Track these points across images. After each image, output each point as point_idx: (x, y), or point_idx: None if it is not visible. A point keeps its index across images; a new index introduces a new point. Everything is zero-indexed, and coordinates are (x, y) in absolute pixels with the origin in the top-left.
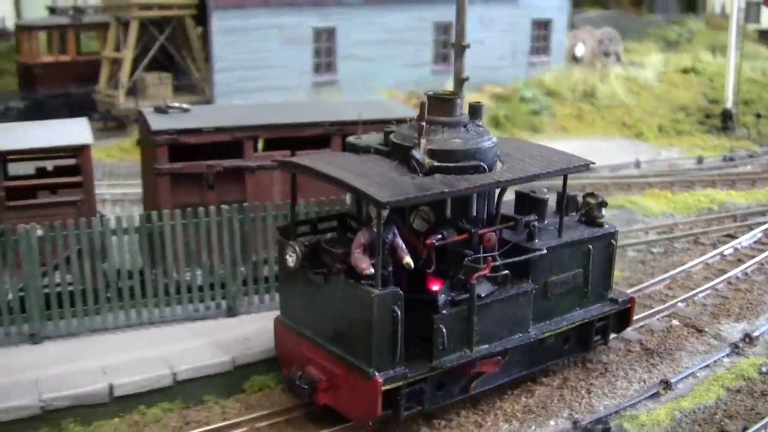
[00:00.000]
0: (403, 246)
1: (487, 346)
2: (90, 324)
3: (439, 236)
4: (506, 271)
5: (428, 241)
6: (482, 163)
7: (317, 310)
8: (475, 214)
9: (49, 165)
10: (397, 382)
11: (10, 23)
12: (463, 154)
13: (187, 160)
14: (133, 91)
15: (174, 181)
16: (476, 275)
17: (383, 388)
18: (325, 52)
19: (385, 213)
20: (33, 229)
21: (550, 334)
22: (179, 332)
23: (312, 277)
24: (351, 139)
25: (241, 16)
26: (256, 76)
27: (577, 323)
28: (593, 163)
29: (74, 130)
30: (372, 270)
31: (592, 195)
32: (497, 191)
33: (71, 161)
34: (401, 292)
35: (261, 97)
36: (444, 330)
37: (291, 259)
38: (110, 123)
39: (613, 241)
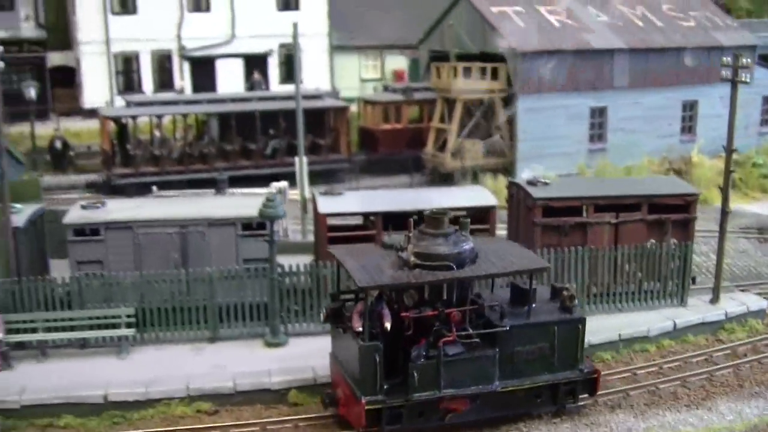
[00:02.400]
0: (387, 315)
1: (453, 390)
2: None
3: (416, 311)
4: (476, 339)
5: (402, 314)
6: (451, 264)
7: (341, 351)
8: (445, 297)
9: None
10: (377, 405)
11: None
12: (437, 257)
13: (551, 216)
14: (454, 154)
15: (543, 230)
16: (443, 340)
17: (366, 407)
18: (598, 126)
19: (373, 292)
20: None
21: (513, 389)
22: None
23: (335, 329)
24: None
25: (539, 99)
26: (548, 144)
27: (541, 384)
28: (548, 267)
29: (482, 195)
30: (360, 329)
31: (566, 289)
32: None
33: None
34: (380, 345)
35: (550, 161)
36: (416, 374)
37: (321, 316)
38: (434, 177)
39: (580, 326)
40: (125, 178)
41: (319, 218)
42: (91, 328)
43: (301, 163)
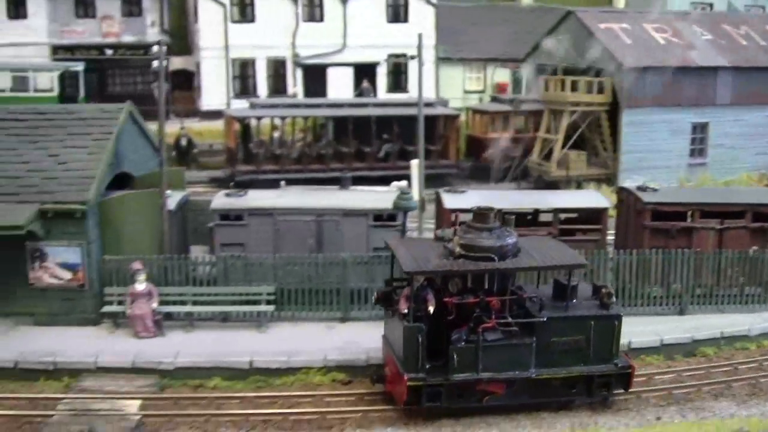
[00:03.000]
0: (431, 299)
1: (490, 374)
2: None
3: (459, 298)
4: (515, 328)
5: (445, 300)
6: (493, 255)
7: (391, 332)
8: (487, 287)
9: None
10: (418, 382)
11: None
12: (480, 248)
13: (659, 220)
14: (559, 163)
15: (651, 233)
16: (482, 326)
17: (408, 383)
18: (699, 141)
19: (419, 278)
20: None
21: (548, 377)
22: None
23: (387, 312)
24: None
25: (642, 113)
26: (649, 157)
27: (575, 374)
28: (586, 264)
29: (595, 198)
30: (406, 311)
31: (604, 287)
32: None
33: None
34: (423, 327)
35: (651, 174)
36: (456, 356)
37: (373, 298)
38: (539, 185)
39: (616, 322)
40: (247, 175)
41: (445, 213)
42: (233, 303)
43: (421, 165)
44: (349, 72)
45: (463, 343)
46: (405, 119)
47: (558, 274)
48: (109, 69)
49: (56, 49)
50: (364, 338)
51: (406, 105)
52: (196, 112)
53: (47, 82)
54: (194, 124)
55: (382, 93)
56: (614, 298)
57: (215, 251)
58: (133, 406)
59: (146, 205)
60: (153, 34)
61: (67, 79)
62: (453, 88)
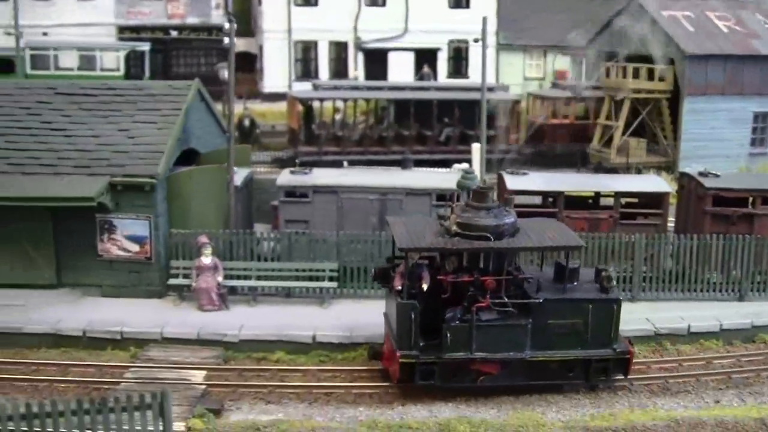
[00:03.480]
0: (426, 277)
1: (484, 353)
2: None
3: (454, 277)
4: (511, 309)
5: (440, 277)
6: (488, 235)
7: (389, 308)
8: (482, 266)
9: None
10: (411, 359)
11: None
12: (475, 227)
13: (720, 206)
14: (619, 150)
15: (712, 218)
16: (476, 305)
17: (401, 360)
18: (760, 131)
19: (414, 255)
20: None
21: (544, 359)
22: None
23: (387, 290)
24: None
25: (704, 101)
26: (709, 146)
27: (571, 358)
28: (582, 246)
29: (657, 183)
30: (400, 287)
31: (605, 270)
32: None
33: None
34: (417, 304)
35: (711, 162)
36: (449, 334)
37: (371, 275)
38: (599, 172)
39: (615, 306)
40: (309, 156)
41: (507, 195)
42: (296, 279)
43: (483, 149)
44: (410, 57)
45: (457, 322)
46: (466, 103)
47: (560, 256)
48: (174, 50)
49: (122, 30)
50: None
51: (468, 89)
52: (257, 94)
53: (113, 61)
54: (256, 106)
55: (442, 78)
56: (614, 282)
57: (280, 228)
58: (198, 376)
59: (213, 181)
60: (217, 16)
61: (132, 59)
62: (513, 75)
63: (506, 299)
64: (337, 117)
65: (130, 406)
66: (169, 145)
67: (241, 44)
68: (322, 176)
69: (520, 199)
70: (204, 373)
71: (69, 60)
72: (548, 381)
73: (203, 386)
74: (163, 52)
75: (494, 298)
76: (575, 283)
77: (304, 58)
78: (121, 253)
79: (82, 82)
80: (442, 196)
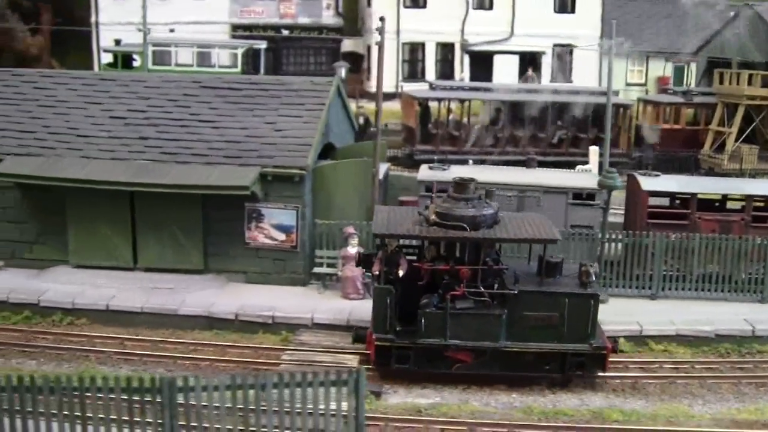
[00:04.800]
0: (403, 264)
1: (458, 341)
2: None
3: (431, 265)
4: (487, 299)
5: (415, 264)
6: (464, 225)
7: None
8: (458, 255)
9: None
10: (386, 342)
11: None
12: (452, 217)
13: None
14: (732, 157)
15: None
16: (451, 293)
17: (376, 343)
18: None
19: (393, 242)
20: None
21: (519, 350)
22: None
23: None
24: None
25: None
26: None
27: (545, 350)
28: (557, 239)
29: None
30: (377, 272)
31: (584, 265)
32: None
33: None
34: (392, 289)
35: None
36: (424, 320)
37: (355, 260)
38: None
39: (591, 301)
40: (425, 154)
41: (642, 196)
42: None
43: (606, 150)
44: (515, 60)
45: (433, 309)
46: (579, 106)
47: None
48: (284, 48)
49: (235, 28)
50: None
51: (580, 93)
52: (363, 94)
53: (231, 58)
54: (367, 105)
55: (546, 82)
56: (594, 278)
57: None
58: (353, 360)
59: (357, 174)
60: (328, 17)
61: (247, 57)
62: (615, 80)
63: (482, 289)
64: (450, 117)
65: (327, 382)
66: (316, 138)
67: (348, 44)
68: (460, 172)
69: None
70: (358, 357)
71: (187, 56)
72: (523, 372)
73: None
74: (274, 51)
75: (470, 288)
76: (557, 277)
77: (412, 60)
78: (268, 241)
79: (225, 76)
80: (579, 195)
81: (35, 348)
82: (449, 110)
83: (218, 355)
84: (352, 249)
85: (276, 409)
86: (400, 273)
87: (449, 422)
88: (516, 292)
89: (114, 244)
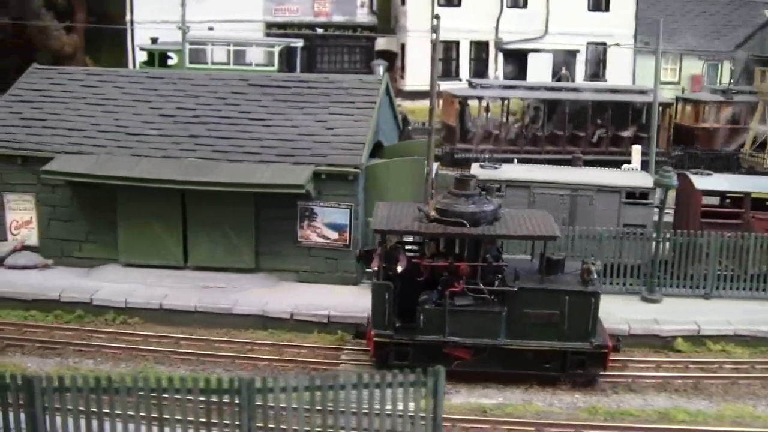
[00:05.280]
0: (402, 260)
1: (457, 338)
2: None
3: (430, 260)
4: (487, 295)
5: (414, 260)
6: (464, 221)
7: None
8: (458, 252)
9: None
10: (385, 338)
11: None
12: (452, 213)
13: None
14: None
15: None
16: (449, 289)
17: (375, 339)
18: None
19: (392, 239)
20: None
21: (519, 348)
22: None
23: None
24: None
25: None
26: None
27: (545, 348)
28: (557, 236)
29: None
30: (376, 268)
31: (585, 263)
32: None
33: None
34: (391, 285)
35: None
36: (423, 316)
37: (356, 256)
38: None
39: (592, 299)
40: (464, 153)
41: (695, 194)
42: None
43: (652, 149)
44: (549, 59)
45: (432, 305)
46: (618, 105)
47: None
48: (318, 47)
49: (269, 26)
50: (619, 309)
51: (619, 91)
52: (398, 92)
53: (267, 56)
54: (402, 103)
55: (580, 81)
56: (595, 275)
57: None
58: None
59: (409, 172)
60: (362, 15)
61: (283, 55)
62: (648, 79)
63: (482, 286)
64: (488, 115)
65: (406, 383)
66: (369, 136)
67: (381, 42)
68: (513, 171)
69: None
70: None
71: (223, 55)
72: (524, 371)
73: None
74: (308, 49)
75: (469, 284)
76: (559, 275)
77: (446, 58)
78: (320, 240)
79: (272, 74)
80: (632, 194)
81: (90, 347)
82: (488, 108)
83: (275, 355)
84: None
85: (354, 410)
86: (399, 269)
87: (515, 423)
88: (515, 289)
89: (164, 242)
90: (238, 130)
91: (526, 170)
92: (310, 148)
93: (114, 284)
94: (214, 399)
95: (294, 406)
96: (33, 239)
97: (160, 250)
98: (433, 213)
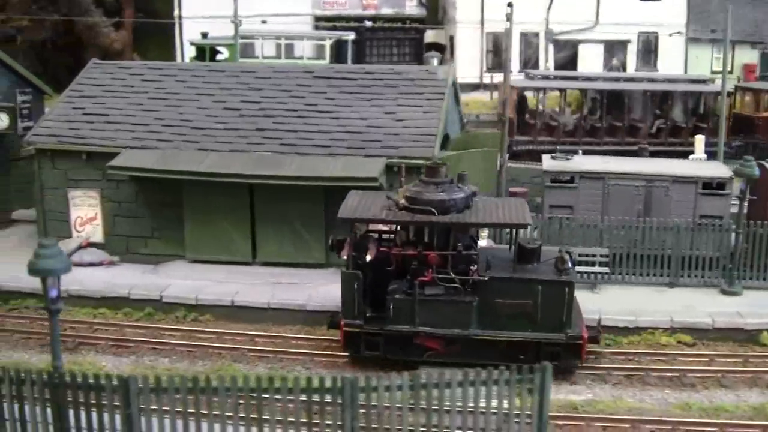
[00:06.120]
0: (371, 249)
1: (427, 328)
2: None
3: (398, 248)
4: (458, 285)
5: (382, 249)
6: (432, 209)
7: None
8: (426, 240)
9: None
10: (355, 328)
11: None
12: (420, 201)
13: None
14: None
15: None
16: (419, 279)
17: (345, 329)
18: None
19: (361, 227)
20: None
21: (492, 339)
22: None
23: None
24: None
25: None
26: None
27: (517, 339)
28: (528, 224)
29: None
30: (345, 257)
31: (560, 251)
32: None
33: None
34: (360, 274)
35: None
36: (392, 306)
37: (329, 245)
38: None
39: (566, 288)
40: (523, 145)
41: None
42: None
43: (721, 139)
44: (600, 49)
45: (402, 295)
46: (678, 95)
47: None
48: (367, 40)
49: (318, 20)
50: (697, 303)
51: (677, 81)
52: None
53: (317, 50)
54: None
55: (631, 71)
56: (569, 265)
57: (542, 212)
58: None
59: (481, 164)
60: (411, 7)
61: (334, 49)
62: (700, 69)
63: (453, 275)
64: (541, 106)
65: (513, 379)
66: (440, 128)
67: (430, 35)
68: (586, 162)
69: None
70: None
71: (273, 49)
72: (498, 362)
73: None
74: (357, 42)
75: (440, 274)
76: (534, 264)
77: (495, 50)
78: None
79: (335, 66)
80: (708, 184)
81: (164, 345)
82: (538, 101)
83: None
84: (482, 241)
85: (460, 408)
86: (368, 258)
87: (609, 419)
88: (486, 278)
89: (232, 238)
90: (305, 123)
91: (599, 161)
92: (381, 140)
93: (183, 281)
94: (316, 398)
95: (398, 404)
96: (98, 236)
97: (228, 245)
98: (402, 201)
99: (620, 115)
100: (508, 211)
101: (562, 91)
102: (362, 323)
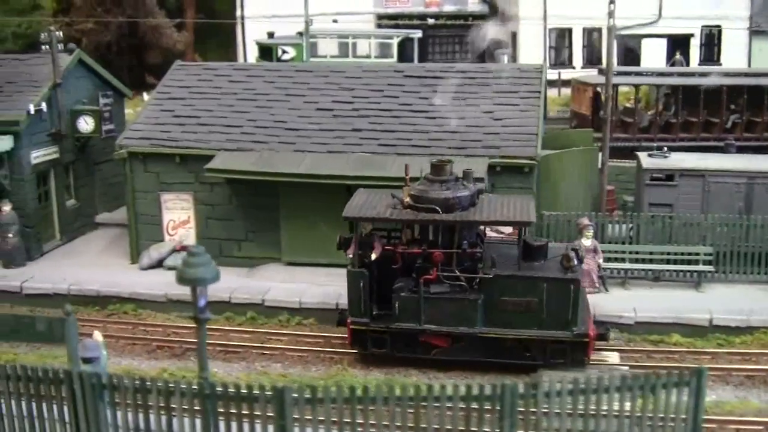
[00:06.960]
0: (377, 247)
1: (433, 326)
2: None
3: (403, 247)
4: (463, 283)
5: (386, 247)
6: (437, 207)
7: None
8: (431, 238)
9: None
10: (361, 326)
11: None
12: (425, 200)
13: None
14: None
15: None
16: (423, 277)
17: (351, 327)
18: None
19: (367, 226)
20: None
21: (497, 336)
22: None
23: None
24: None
25: None
26: None
27: (523, 337)
28: (531, 222)
29: None
30: (351, 255)
31: (567, 249)
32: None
33: None
34: (366, 272)
35: None
36: (398, 304)
37: (336, 243)
38: None
39: (572, 286)
40: (599, 142)
41: None
42: (667, 262)
43: None
44: (663, 43)
45: (407, 293)
46: (752, 90)
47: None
48: (429, 37)
49: (380, 18)
50: None
51: (753, 75)
52: None
53: (383, 48)
54: None
55: (694, 65)
56: (575, 262)
57: (639, 211)
58: (614, 357)
59: (582, 163)
60: (473, 4)
61: (400, 47)
62: (763, 62)
63: (458, 273)
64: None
65: (670, 383)
66: (540, 126)
67: (492, 32)
68: (685, 160)
69: None
70: (617, 354)
71: (331, 48)
72: (504, 359)
73: (625, 367)
74: (420, 40)
75: (445, 272)
76: (541, 262)
77: (558, 45)
78: (493, 234)
79: (426, 65)
80: None
81: (273, 350)
82: (617, 96)
83: None
84: (587, 241)
85: (617, 413)
86: (373, 256)
87: (741, 422)
88: (491, 276)
89: (330, 240)
90: (401, 123)
91: (698, 158)
92: (481, 140)
93: (283, 284)
94: (475, 406)
95: (557, 410)
96: (190, 239)
97: (326, 247)
98: (407, 200)
99: (695, 111)
100: (513, 208)
101: (636, 87)
102: (369, 321)
